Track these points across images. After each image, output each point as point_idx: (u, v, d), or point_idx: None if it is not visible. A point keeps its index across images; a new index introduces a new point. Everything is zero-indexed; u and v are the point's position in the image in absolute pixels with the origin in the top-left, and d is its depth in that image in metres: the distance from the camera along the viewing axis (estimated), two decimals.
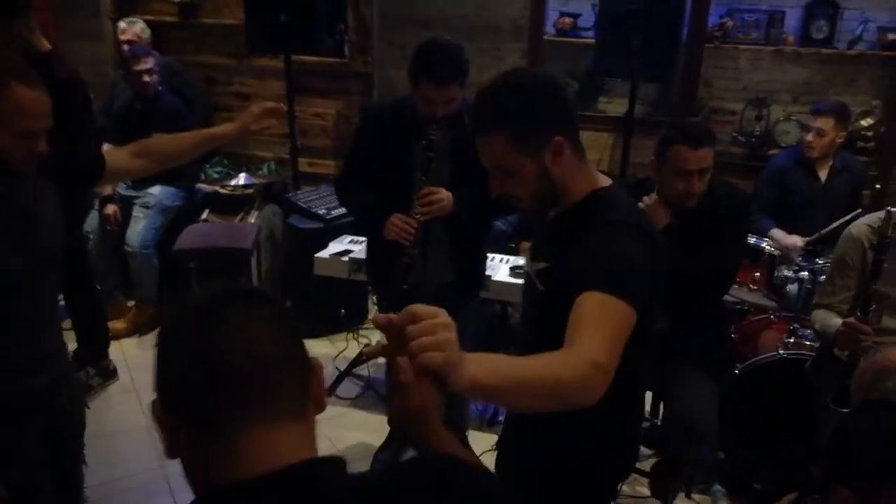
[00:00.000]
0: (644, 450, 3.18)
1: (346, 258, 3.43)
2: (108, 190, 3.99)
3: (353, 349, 3.92)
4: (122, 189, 4.15)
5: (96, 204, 3.98)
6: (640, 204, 2.50)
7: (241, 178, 4.44)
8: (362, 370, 3.76)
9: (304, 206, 4.20)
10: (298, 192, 4.42)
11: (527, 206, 1.58)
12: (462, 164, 2.46)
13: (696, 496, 2.95)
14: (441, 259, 2.64)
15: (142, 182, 4.06)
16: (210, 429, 0.84)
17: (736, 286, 3.31)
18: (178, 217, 4.18)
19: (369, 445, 3.19)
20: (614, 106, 4.56)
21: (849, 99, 4.13)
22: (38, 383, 1.88)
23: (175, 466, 0.89)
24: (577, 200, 1.54)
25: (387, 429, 3.16)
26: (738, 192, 2.63)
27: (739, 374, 2.90)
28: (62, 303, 3.10)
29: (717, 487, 2.97)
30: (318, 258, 3.50)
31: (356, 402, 3.59)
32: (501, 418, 2.55)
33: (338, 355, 3.89)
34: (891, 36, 4.04)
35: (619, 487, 1.88)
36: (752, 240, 3.35)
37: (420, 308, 0.99)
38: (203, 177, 4.69)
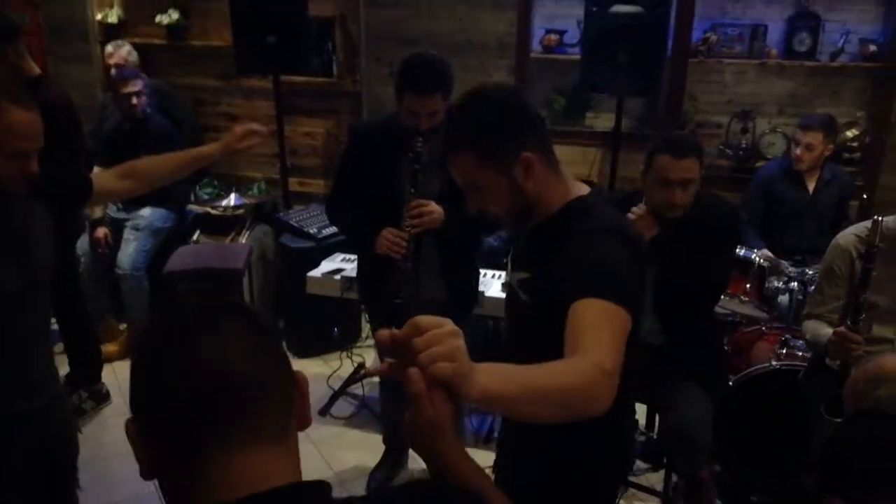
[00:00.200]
0: (640, 464, 3.18)
1: (338, 276, 3.43)
2: (98, 213, 3.98)
3: (346, 368, 3.91)
4: (112, 212, 4.14)
5: (87, 227, 3.97)
6: (630, 214, 2.52)
7: (232, 199, 4.44)
8: (356, 389, 3.75)
9: (295, 225, 4.20)
10: (289, 211, 4.42)
11: (503, 220, 1.59)
12: (450, 178, 2.48)
13: None
14: (433, 275, 2.64)
15: (132, 204, 4.06)
16: (184, 451, 0.81)
17: (727, 298, 3.33)
18: (168, 239, 4.18)
19: (365, 465, 3.18)
20: (601, 121, 4.59)
21: (833, 110, 4.17)
22: (30, 407, 1.86)
23: None
24: (555, 211, 1.54)
25: (382, 448, 3.15)
26: (725, 203, 2.65)
27: (733, 386, 2.90)
28: (55, 326, 3.09)
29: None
30: (311, 277, 3.50)
31: (351, 422, 3.58)
32: (496, 435, 2.54)
33: (331, 375, 3.88)
34: (872, 47, 4.09)
35: (618, 501, 1.88)
36: (741, 251, 3.37)
37: (424, 319, 0.95)
38: (193, 198, 4.68)
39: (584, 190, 1.59)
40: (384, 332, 0.97)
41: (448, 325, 0.95)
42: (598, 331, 1.26)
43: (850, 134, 4.23)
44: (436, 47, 4.08)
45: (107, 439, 3.33)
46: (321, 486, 0.85)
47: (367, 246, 2.60)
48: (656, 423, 3.12)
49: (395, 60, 2.56)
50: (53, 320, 3.28)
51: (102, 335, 3.90)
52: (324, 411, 3.61)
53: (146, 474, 0.85)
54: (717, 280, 2.60)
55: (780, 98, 4.38)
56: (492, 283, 3.33)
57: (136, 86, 3.98)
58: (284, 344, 4.16)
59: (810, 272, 3.30)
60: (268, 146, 4.99)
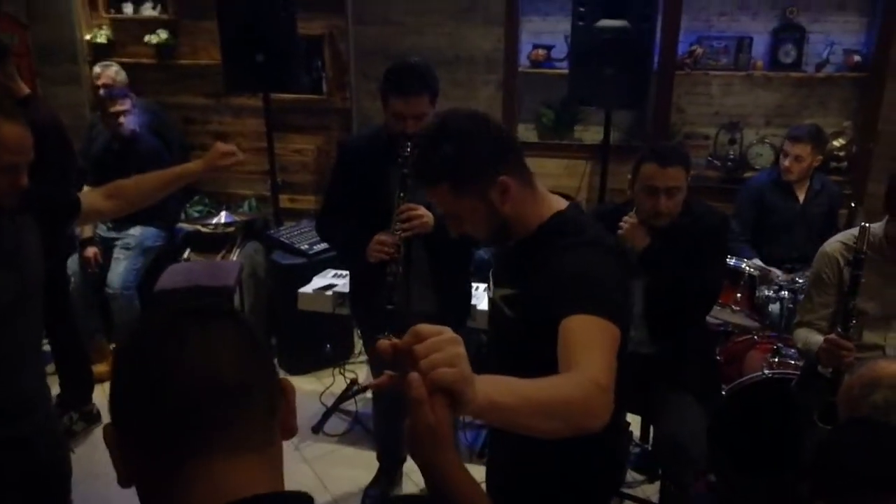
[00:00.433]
0: (636, 475, 3.17)
1: (329, 292, 3.42)
2: (88, 232, 3.96)
3: (339, 385, 3.89)
4: (102, 231, 4.13)
5: (77, 246, 3.95)
6: (622, 224, 2.53)
7: (223, 217, 4.43)
8: (349, 406, 3.74)
9: (286, 241, 4.19)
10: (280, 228, 4.42)
11: (483, 240, 1.61)
12: None
13: None
14: (424, 286, 2.64)
15: (122, 223, 4.04)
16: (164, 458, 0.80)
17: (719, 307, 3.33)
18: (159, 257, 4.16)
19: (359, 482, 3.15)
20: (590, 134, 4.62)
21: (820, 120, 4.22)
22: (23, 425, 1.85)
23: None
24: (535, 227, 1.55)
25: (376, 465, 3.13)
26: (715, 211, 2.66)
27: (726, 396, 2.90)
28: (46, 347, 3.07)
29: None
30: (302, 293, 3.49)
31: (344, 439, 3.55)
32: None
33: (324, 391, 3.86)
34: (856, 58, 4.14)
35: None
36: (731, 261, 3.38)
37: (425, 327, 0.94)
38: (184, 216, 4.67)
39: (563, 204, 1.60)
40: (385, 342, 0.95)
41: (448, 332, 0.94)
42: (590, 347, 1.27)
43: (837, 143, 4.27)
44: None
45: (98, 459, 3.28)
46: (302, 498, 0.84)
47: (358, 261, 2.59)
48: (650, 435, 3.11)
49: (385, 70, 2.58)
50: (45, 341, 3.26)
51: (93, 355, 3.87)
52: (317, 428, 3.59)
53: (124, 482, 0.84)
54: (710, 288, 2.60)
55: (766, 109, 4.42)
56: (484, 297, 3.32)
57: (124, 105, 3.98)
58: (276, 361, 4.16)
59: (801, 281, 3.31)
60: (258, 163, 5.02)
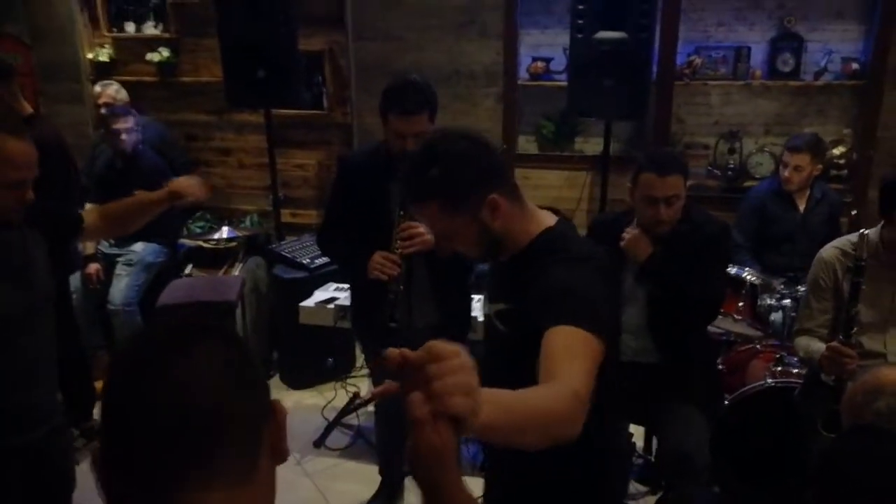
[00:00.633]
0: (639, 486, 3.15)
1: (331, 305, 3.43)
2: (90, 248, 3.98)
3: (341, 398, 3.89)
4: (104, 247, 4.15)
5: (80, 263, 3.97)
6: (623, 235, 2.53)
7: (224, 232, 4.44)
8: (352, 419, 3.73)
9: (288, 256, 4.20)
10: (282, 242, 4.43)
11: (474, 257, 1.63)
12: None
13: None
14: (425, 301, 2.64)
15: (124, 239, 4.06)
16: (140, 488, 0.77)
17: (721, 317, 3.32)
18: (161, 273, 4.17)
19: (360, 496, 3.14)
20: (590, 145, 4.63)
21: (819, 128, 4.22)
22: (29, 441, 1.88)
23: None
24: (525, 244, 1.57)
25: (378, 479, 3.12)
26: (716, 220, 2.66)
27: (729, 406, 2.89)
28: None
29: None
30: (304, 307, 3.49)
31: (346, 453, 3.54)
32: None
33: (326, 405, 3.85)
34: (854, 65, 4.15)
35: None
36: (733, 270, 3.38)
37: (442, 345, 0.89)
38: (185, 232, 4.69)
39: (552, 220, 1.62)
40: (394, 351, 0.91)
41: (465, 356, 0.90)
42: (570, 358, 1.28)
43: (836, 151, 4.27)
44: (425, 78, 4.14)
45: (86, 485, 3.29)
46: None
47: (359, 275, 2.59)
48: (653, 446, 3.10)
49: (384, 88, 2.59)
50: None
51: (94, 371, 3.87)
52: (318, 443, 3.58)
53: None
54: (713, 297, 2.59)
55: (766, 118, 4.43)
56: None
57: (126, 122, 4.01)
58: (278, 375, 4.16)
59: (802, 289, 3.30)
60: (260, 179, 5.04)
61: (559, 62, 4.49)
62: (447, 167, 1.46)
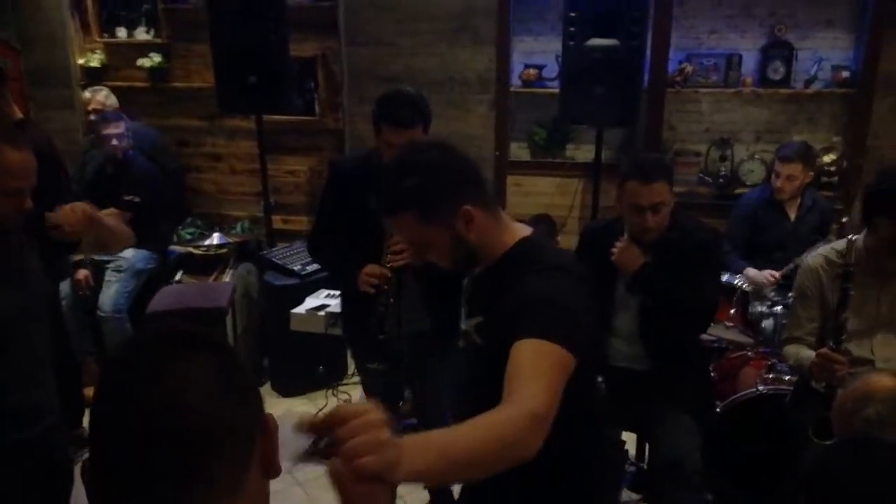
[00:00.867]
0: (631, 494, 3.14)
1: (322, 312, 3.41)
2: (79, 255, 3.95)
3: (332, 406, 3.86)
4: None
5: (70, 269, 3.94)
6: (614, 249, 2.52)
7: (215, 238, 4.43)
8: None
9: (279, 262, 4.18)
10: (273, 249, 4.41)
11: (448, 268, 1.61)
12: None
13: None
14: (415, 311, 2.62)
15: None
16: (128, 497, 0.76)
17: (712, 324, 3.32)
18: (151, 280, 4.15)
19: None
20: (582, 152, 4.64)
21: (810, 136, 4.25)
22: (30, 435, 1.89)
23: None
24: (500, 255, 1.57)
25: None
26: (707, 227, 2.66)
27: (721, 413, 2.89)
28: None
29: None
30: (295, 314, 3.47)
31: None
32: None
33: (317, 413, 3.81)
34: (844, 74, 4.18)
35: None
36: (724, 277, 3.38)
37: (347, 407, 0.93)
38: (176, 238, 4.67)
39: (526, 231, 1.62)
40: (305, 421, 0.93)
41: (373, 412, 0.93)
42: (534, 374, 1.27)
43: (827, 159, 4.29)
44: (417, 84, 4.14)
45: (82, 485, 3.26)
46: None
47: (349, 282, 2.58)
48: (646, 453, 3.09)
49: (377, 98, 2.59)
50: None
51: (83, 378, 3.85)
52: (310, 451, 3.55)
53: None
54: (707, 305, 2.59)
55: (756, 125, 4.45)
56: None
57: (117, 128, 3.99)
58: (269, 383, 4.13)
59: (792, 295, 3.31)
60: (252, 184, 5.03)
61: (551, 69, 4.50)
62: (421, 178, 1.47)
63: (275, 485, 0.86)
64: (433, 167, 1.50)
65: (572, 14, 3.70)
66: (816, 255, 2.47)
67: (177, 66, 5.09)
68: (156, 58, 5.00)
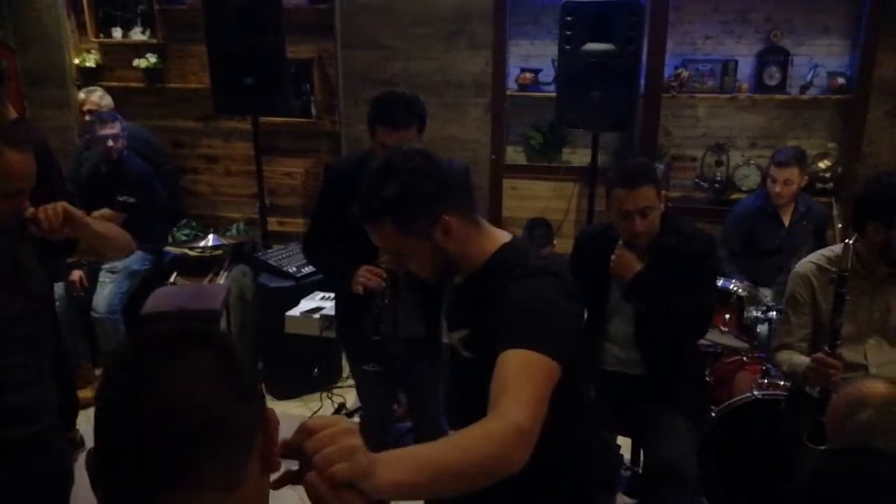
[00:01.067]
0: (626, 499, 3.14)
1: (317, 315, 3.40)
2: (74, 258, 3.94)
3: (327, 409, 3.86)
4: None
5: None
6: (612, 259, 2.51)
7: (210, 240, 4.41)
8: None
9: (274, 264, 4.17)
10: (268, 251, 4.40)
11: (428, 277, 1.59)
12: None
13: None
14: (412, 314, 2.62)
15: None
16: (128, 492, 0.78)
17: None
18: (145, 281, 4.13)
19: None
20: (578, 156, 4.64)
21: (805, 142, 4.26)
22: (29, 433, 1.89)
23: None
24: (481, 264, 1.55)
25: None
26: (702, 232, 2.66)
27: (716, 418, 2.89)
28: None
29: None
30: (289, 316, 3.46)
31: None
32: None
33: (312, 416, 3.82)
34: (840, 80, 4.19)
35: None
36: (720, 282, 3.39)
37: (314, 421, 0.93)
38: (171, 239, 4.65)
39: (507, 237, 1.60)
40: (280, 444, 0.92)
41: (341, 422, 0.93)
42: (518, 386, 1.25)
43: (822, 165, 4.31)
44: (413, 87, 4.14)
45: (81, 485, 3.24)
46: None
47: (344, 284, 2.57)
48: (641, 458, 3.09)
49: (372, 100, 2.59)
50: None
51: (77, 380, 3.83)
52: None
53: None
54: (704, 310, 2.58)
55: (752, 131, 4.46)
56: None
57: (113, 128, 3.98)
58: (264, 386, 4.11)
59: None
60: (246, 186, 5.03)
61: (548, 73, 4.50)
62: (400, 186, 1.44)
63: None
64: (414, 176, 1.46)
65: (568, 18, 3.71)
66: (806, 262, 2.48)
67: (172, 67, 5.09)
68: (151, 58, 5.00)
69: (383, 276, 2.46)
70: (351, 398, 3.97)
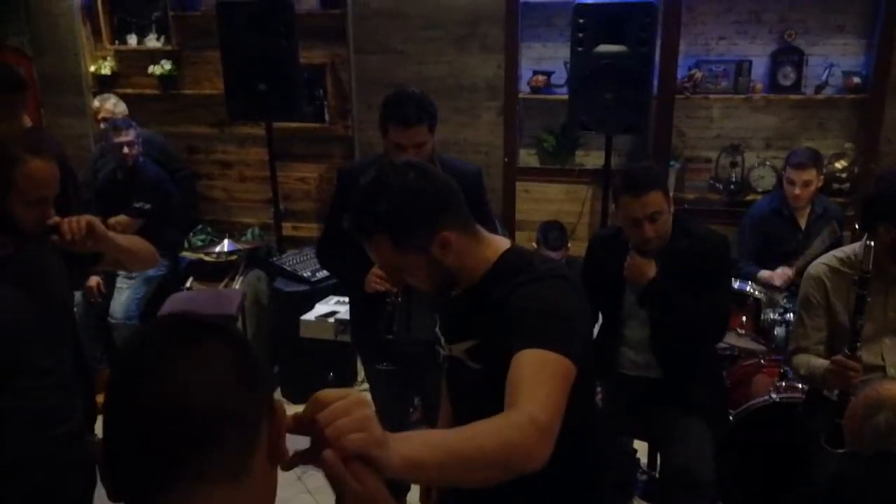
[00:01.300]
0: (643, 503, 3.12)
1: (332, 319, 3.42)
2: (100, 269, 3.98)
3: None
4: None
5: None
6: (626, 265, 2.50)
7: (225, 245, 4.44)
8: None
9: (289, 269, 4.19)
10: (283, 255, 4.42)
11: (428, 290, 1.56)
12: None
13: None
14: (424, 316, 2.62)
15: None
16: (136, 481, 0.78)
17: None
18: (162, 286, 4.17)
19: None
20: (591, 158, 4.63)
21: (821, 142, 4.23)
22: (53, 436, 1.93)
23: None
24: (482, 273, 1.51)
25: None
26: (715, 234, 2.64)
27: (734, 421, 2.87)
28: None
29: None
30: (304, 320, 3.48)
31: None
32: None
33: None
34: (856, 79, 4.15)
35: None
36: (736, 284, 3.36)
37: (325, 392, 0.91)
38: (187, 245, 4.69)
39: (506, 244, 1.57)
40: (289, 419, 0.91)
41: (353, 394, 0.92)
42: (535, 384, 1.23)
43: (839, 165, 4.27)
44: (426, 91, 4.15)
45: (98, 492, 3.26)
46: None
47: (358, 286, 2.58)
48: (658, 462, 3.07)
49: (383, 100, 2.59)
50: None
51: (95, 385, 3.86)
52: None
53: (110, 498, 0.82)
54: (719, 314, 2.56)
55: (767, 132, 4.43)
56: None
57: (128, 135, 4.02)
58: (279, 389, 4.13)
59: None
60: (261, 192, 5.05)
61: (560, 76, 4.50)
62: (395, 202, 1.40)
63: (284, 492, 0.87)
64: (408, 192, 1.41)
65: (581, 20, 3.70)
66: (818, 264, 2.45)
67: (187, 74, 5.13)
68: (166, 65, 5.04)
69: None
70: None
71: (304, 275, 4.10)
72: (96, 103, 4.50)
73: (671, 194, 2.53)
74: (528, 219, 4.59)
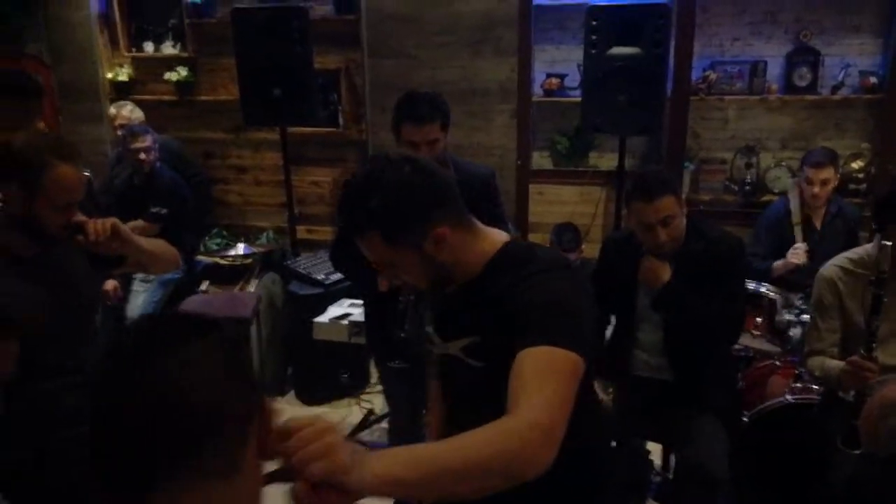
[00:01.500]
0: None
1: (345, 321, 3.43)
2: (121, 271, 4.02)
3: (356, 415, 3.88)
4: None
5: None
6: (640, 270, 2.49)
7: (241, 248, 4.49)
8: (364, 436, 3.71)
9: (303, 272, 4.21)
10: (297, 258, 4.45)
11: (423, 288, 1.53)
12: None
13: None
14: None
15: None
16: (125, 477, 0.79)
17: None
18: (177, 289, 4.20)
19: None
20: (605, 160, 4.62)
21: (837, 143, 4.19)
22: (73, 434, 1.93)
23: None
24: (481, 267, 1.46)
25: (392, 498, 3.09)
26: (730, 235, 2.63)
27: (749, 422, 2.85)
28: None
29: None
30: (318, 323, 3.50)
31: None
32: None
33: (340, 422, 3.84)
34: (872, 79, 4.12)
35: None
36: (751, 285, 3.34)
37: (293, 421, 0.93)
38: (202, 248, 4.73)
39: (504, 237, 1.52)
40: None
41: (319, 422, 0.93)
42: (539, 382, 1.19)
43: (855, 165, 4.23)
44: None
45: None
46: None
47: (371, 290, 2.60)
48: (671, 463, 3.06)
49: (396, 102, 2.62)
50: None
51: None
52: None
53: None
54: (733, 317, 2.54)
55: (782, 133, 4.41)
56: None
57: (145, 141, 4.06)
58: (293, 392, 4.15)
59: None
60: (276, 196, 5.08)
61: (573, 78, 4.50)
62: (386, 200, 1.34)
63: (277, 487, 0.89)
64: (400, 187, 1.36)
65: (594, 22, 3.70)
66: (830, 266, 2.43)
67: (203, 80, 5.17)
68: (182, 71, 5.09)
69: None
70: (379, 404, 3.99)
71: (319, 278, 4.12)
72: (113, 110, 4.56)
73: (685, 196, 2.52)
74: (542, 221, 4.59)
